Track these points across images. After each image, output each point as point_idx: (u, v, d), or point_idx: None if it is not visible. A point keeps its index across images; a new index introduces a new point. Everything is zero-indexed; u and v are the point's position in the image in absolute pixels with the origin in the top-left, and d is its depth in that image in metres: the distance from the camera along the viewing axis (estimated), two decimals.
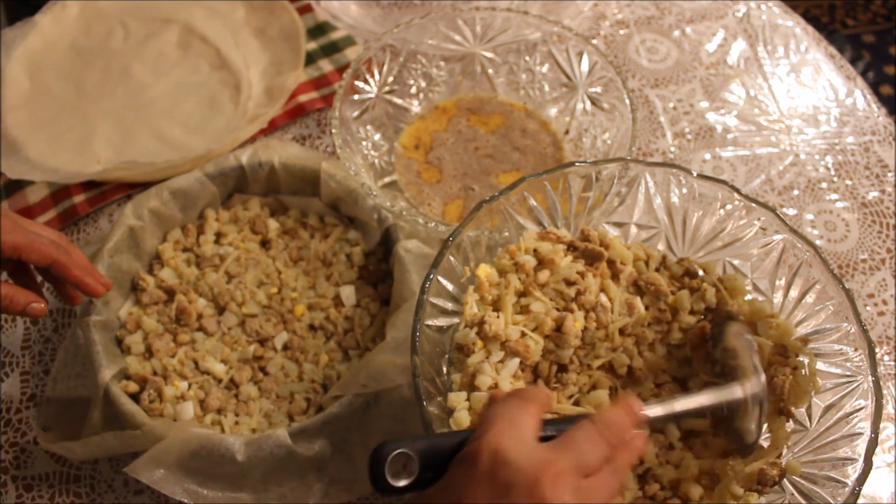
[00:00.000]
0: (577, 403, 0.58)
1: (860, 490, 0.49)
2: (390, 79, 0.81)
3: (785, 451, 0.54)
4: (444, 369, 0.56)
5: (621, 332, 0.58)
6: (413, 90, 0.84)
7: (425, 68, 0.84)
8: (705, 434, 0.60)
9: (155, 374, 0.67)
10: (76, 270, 0.60)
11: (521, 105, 0.85)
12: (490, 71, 0.85)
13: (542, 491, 0.36)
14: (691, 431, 0.60)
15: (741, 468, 0.54)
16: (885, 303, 0.75)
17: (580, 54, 0.80)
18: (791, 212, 0.81)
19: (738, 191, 0.59)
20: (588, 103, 0.80)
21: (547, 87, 0.84)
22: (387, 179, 0.78)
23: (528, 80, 0.85)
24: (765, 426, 0.54)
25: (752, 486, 0.52)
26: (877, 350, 0.71)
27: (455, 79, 0.85)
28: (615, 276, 0.60)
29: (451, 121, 0.83)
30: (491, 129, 0.83)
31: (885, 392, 0.69)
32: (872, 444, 0.50)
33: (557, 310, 0.57)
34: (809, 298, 0.57)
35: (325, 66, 0.91)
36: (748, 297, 0.60)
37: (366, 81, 0.79)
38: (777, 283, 0.59)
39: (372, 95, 0.80)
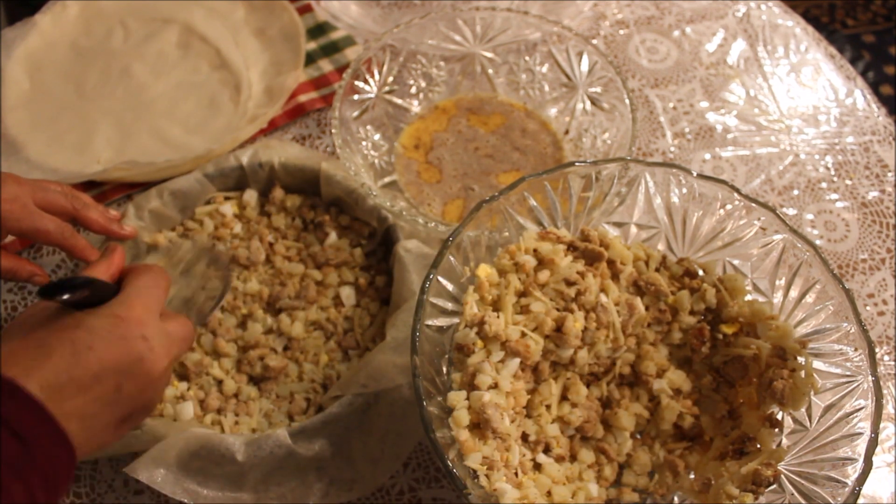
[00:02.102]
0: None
1: (860, 490, 0.49)
2: (390, 79, 0.81)
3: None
4: (444, 369, 0.56)
5: (622, 332, 0.58)
6: (413, 90, 0.84)
7: (425, 68, 0.84)
8: (701, 438, 0.60)
9: None
10: (96, 226, 0.66)
11: (521, 105, 0.85)
12: (490, 71, 0.85)
13: (163, 368, 0.48)
14: (687, 436, 0.60)
15: (736, 469, 0.54)
16: (885, 303, 0.75)
17: (580, 54, 0.80)
18: (791, 212, 0.81)
19: (738, 191, 0.59)
20: (588, 103, 0.80)
21: (547, 87, 0.84)
22: (387, 179, 0.78)
23: (528, 80, 0.85)
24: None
25: (747, 486, 0.52)
26: (877, 350, 0.72)
27: (455, 79, 0.85)
28: (615, 276, 0.60)
29: (451, 121, 0.83)
30: (491, 129, 0.83)
31: (885, 392, 0.69)
32: (872, 444, 0.50)
33: (557, 310, 0.57)
34: (809, 298, 0.57)
35: (325, 66, 0.91)
36: (748, 297, 0.60)
37: (366, 81, 0.79)
38: (777, 283, 0.59)
39: (372, 95, 0.80)
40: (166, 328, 0.50)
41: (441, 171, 0.80)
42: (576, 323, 0.56)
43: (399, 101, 0.83)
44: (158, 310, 0.50)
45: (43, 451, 0.41)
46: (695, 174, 0.60)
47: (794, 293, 0.58)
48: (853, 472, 0.50)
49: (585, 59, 0.80)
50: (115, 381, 0.45)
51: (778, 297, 0.59)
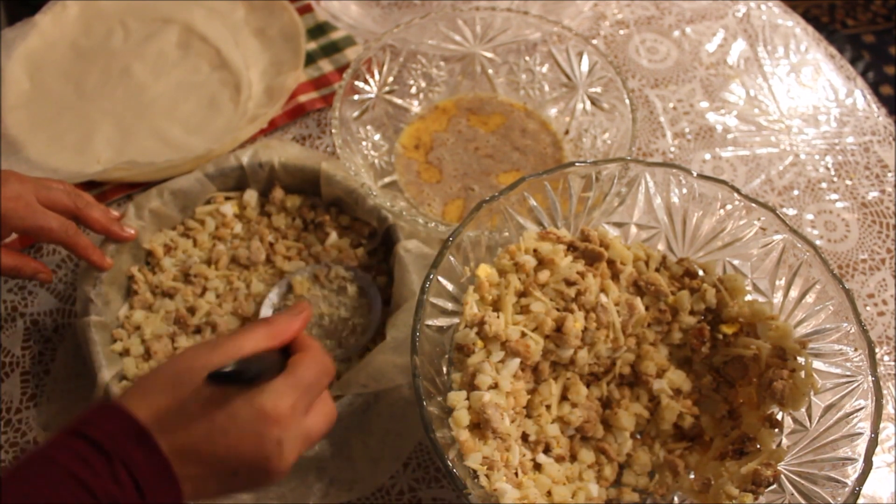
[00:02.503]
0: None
1: (860, 490, 0.49)
2: (390, 79, 0.81)
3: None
4: (444, 369, 0.56)
5: (622, 332, 0.58)
6: (413, 90, 0.84)
7: (425, 68, 0.84)
8: (701, 438, 0.60)
9: None
10: (97, 226, 0.66)
11: (521, 105, 0.85)
12: (490, 71, 0.85)
13: (286, 468, 0.46)
14: (687, 436, 0.60)
15: (736, 469, 0.54)
16: (885, 303, 0.75)
17: (580, 54, 0.80)
18: (791, 212, 0.81)
19: (738, 191, 0.59)
20: (588, 103, 0.80)
21: (547, 87, 0.84)
22: (387, 179, 0.78)
23: (528, 80, 0.85)
24: None
25: (747, 486, 0.52)
26: (877, 350, 0.71)
27: (455, 79, 0.85)
28: (615, 277, 0.60)
29: (451, 121, 0.83)
30: (491, 129, 0.83)
31: (885, 392, 0.69)
32: (872, 444, 0.50)
33: (558, 310, 0.57)
34: (809, 298, 0.57)
35: (325, 66, 0.91)
36: (748, 297, 0.60)
37: (366, 81, 0.79)
38: (777, 283, 0.59)
39: (372, 95, 0.80)
40: (307, 428, 0.47)
41: (441, 171, 0.80)
42: (576, 323, 0.56)
43: (399, 101, 0.83)
44: (308, 409, 0.47)
45: None
46: (695, 174, 0.60)
47: (794, 293, 0.58)
48: (853, 472, 0.50)
49: (585, 59, 0.80)
50: (236, 467, 0.45)
51: (778, 297, 0.59)
